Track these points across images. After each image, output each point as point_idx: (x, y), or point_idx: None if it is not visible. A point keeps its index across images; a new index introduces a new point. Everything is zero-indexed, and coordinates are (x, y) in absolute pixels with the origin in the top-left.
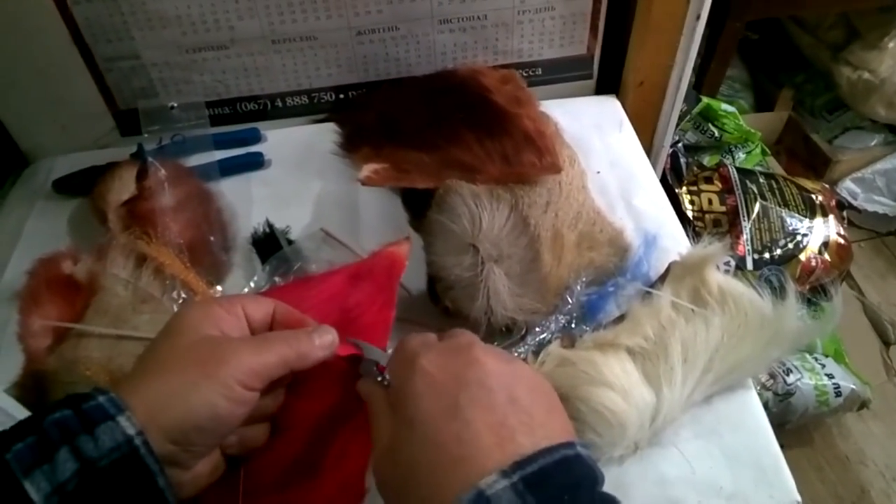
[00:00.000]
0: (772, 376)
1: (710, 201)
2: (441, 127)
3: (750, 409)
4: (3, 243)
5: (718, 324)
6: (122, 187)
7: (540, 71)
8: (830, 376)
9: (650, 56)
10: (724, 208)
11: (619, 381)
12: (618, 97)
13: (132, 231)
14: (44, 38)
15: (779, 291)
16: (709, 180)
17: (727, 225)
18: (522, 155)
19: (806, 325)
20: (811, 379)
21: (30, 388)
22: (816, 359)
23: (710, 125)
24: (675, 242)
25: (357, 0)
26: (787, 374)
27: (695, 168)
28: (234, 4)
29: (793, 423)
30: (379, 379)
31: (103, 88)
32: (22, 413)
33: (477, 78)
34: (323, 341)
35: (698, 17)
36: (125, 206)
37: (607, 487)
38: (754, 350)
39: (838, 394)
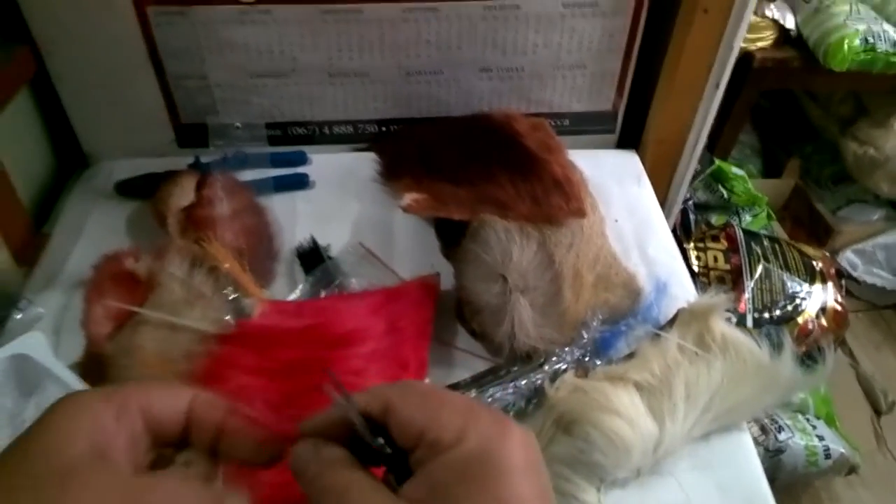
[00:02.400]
0: (763, 431)
1: (715, 259)
2: (476, 165)
3: (743, 448)
4: (66, 237)
5: (720, 367)
6: (183, 194)
7: (567, 122)
8: (821, 438)
9: (671, 117)
10: (728, 266)
11: (626, 411)
12: (637, 152)
13: (190, 234)
14: (123, 51)
15: (776, 346)
16: (716, 238)
17: (730, 283)
18: (551, 198)
19: (799, 376)
20: (802, 439)
21: (90, 368)
22: (808, 420)
23: (720, 186)
24: (683, 291)
25: (410, 45)
26: (779, 432)
27: (703, 226)
28: (299, 38)
29: (781, 481)
30: (381, 444)
31: (169, 102)
32: (83, 387)
33: (510, 123)
34: None
35: (717, 85)
36: (184, 211)
37: None
38: (751, 394)
39: (828, 456)
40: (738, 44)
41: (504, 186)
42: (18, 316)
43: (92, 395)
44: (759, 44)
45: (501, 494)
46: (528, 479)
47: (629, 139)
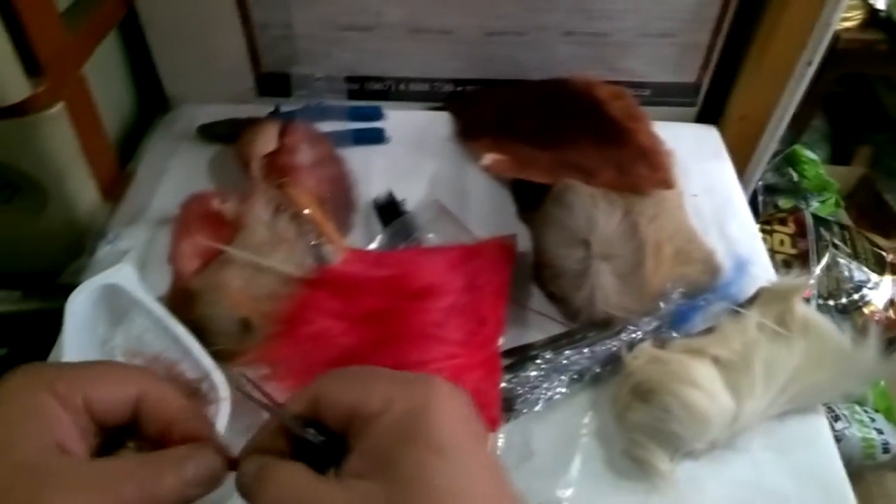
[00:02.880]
0: None
1: (781, 242)
2: (558, 130)
3: (820, 431)
4: (149, 176)
5: (799, 348)
6: (266, 141)
7: (648, 92)
8: (880, 431)
9: (756, 93)
10: (794, 251)
11: (705, 383)
12: (717, 127)
13: (274, 180)
14: None
15: (858, 332)
16: (783, 222)
17: (796, 267)
18: (636, 167)
19: (880, 364)
20: (859, 430)
21: (177, 302)
22: (866, 411)
23: (790, 169)
24: (762, 271)
25: (494, 5)
26: (836, 421)
27: (770, 208)
28: None
29: None
30: (312, 433)
31: (252, 50)
32: (171, 321)
33: (591, 90)
34: (199, 474)
35: (809, 63)
36: (267, 157)
37: (681, 479)
38: (829, 378)
39: (886, 450)
40: (836, 21)
41: (587, 152)
42: (107, 248)
43: (37, 386)
44: (845, 24)
45: (435, 443)
46: (459, 425)
47: (709, 114)
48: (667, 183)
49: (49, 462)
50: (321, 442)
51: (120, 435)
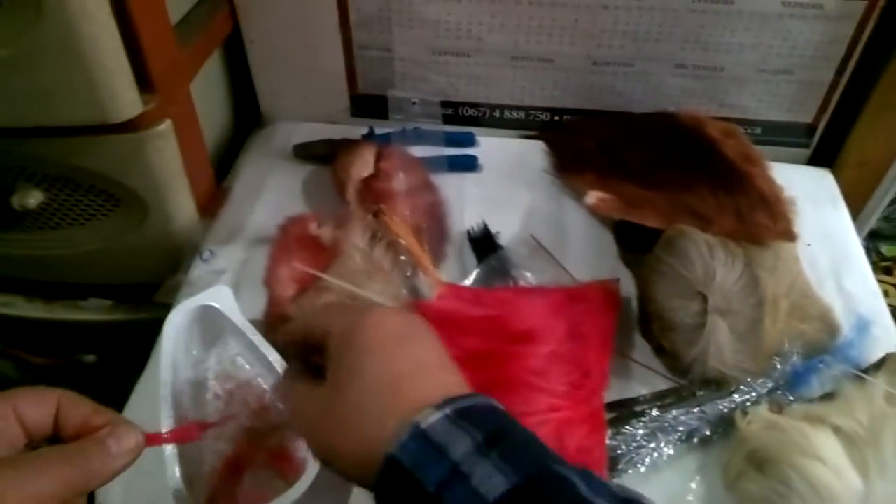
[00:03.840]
0: None
1: (886, 293)
2: (668, 169)
3: None
4: (246, 194)
5: None
6: (363, 165)
7: (759, 130)
8: None
9: (879, 139)
10: None
11: (831, 458)
12: (831, 171)
13: (370, 206)
14: (315, 16)
15: None
16: (888, 271)
17: None
18: (756, 215)
19: None
20: None
21: (273, 327)
22: None
23: None
24: (885, 333)
25: (604, 34)
26: None
27: (873, 255)
28: (489, 18)
29: None
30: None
31: (349, 71)
32: (265, 347)
33: (701, 126)
34: (123, 447)
35: None
36: (364, 182)
37: None
38: None
39: None
40: None
41: (704, 197)
42: (203, 265)
43: None
44: None
45: (363, 345)
46: (383, 331)
47: (823, 156)
48: (790, 234)
49: None
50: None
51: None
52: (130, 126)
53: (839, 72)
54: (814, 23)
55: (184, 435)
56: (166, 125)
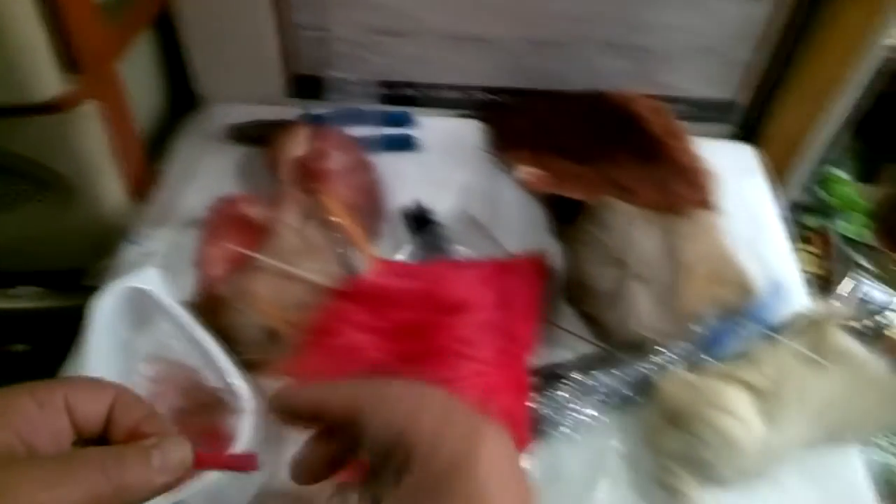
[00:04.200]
0: None
1: (807, 261)
2: (596, 145)
3: (853, 463)
4: (179, 176)
5: (835, 378)
6: (297, 145)
7: (685, 108)
8: None
9: (799, 114)
10: (819, 271)
11: (738, 411)
12: (754, 146)
13: (304, 186)
14: None
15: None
16: (808, 241)
17: (818, 288)
18: (676, 186)
19: None
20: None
21: (204, 308)
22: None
23: (817, 188)
24: (797, 295)
25: (539, 15)
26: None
27: (797, 227)
28: None
29: None
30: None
31: (285, 51)
32: (195, 328)
33: (630, 104)
34: (167, 462)
35: (857, 84)
36: (297, 161)
37: None
38: (867, 409)
39: None
40: (890, 40)
41: (627, 169)
42: (133, 249)
43: (19, 391)
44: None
45: (478, 496)
46: (501, 491)
47: (747, 132)
48: (708, 204)
49: (13, 459)
50: None
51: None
52: (53, 107)
53: (759, 50)
54: (735, 3)
55: (241, 463)
56: (91, 106)
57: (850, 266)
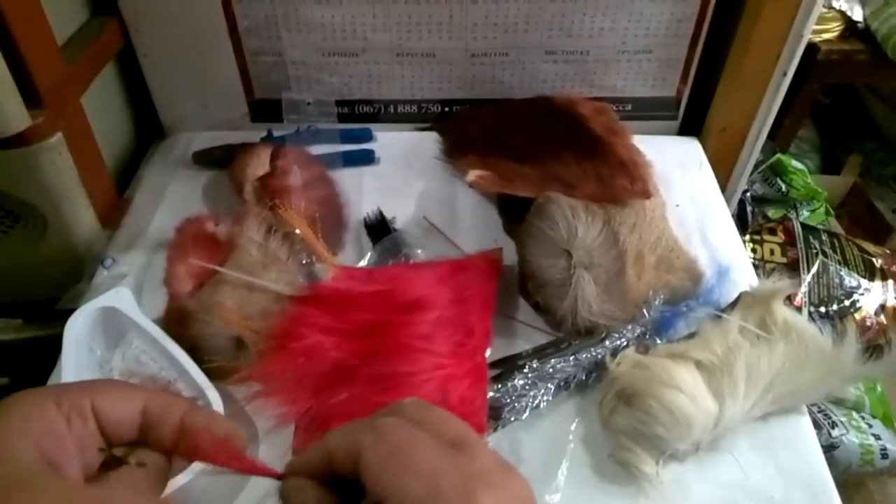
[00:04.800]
0: (816, 426)
1: (771, 251)
2: (541, 145)
3: (804, 432)
4: (146, 202)
5: (781, 351)
6: (259, 164)
7: (630, 107)
8: (878, 437)
9: (735, 105)
10: (784, 260)
11: (688, 387)
12: (699, 139)
13: (266, 203)
14: (205, 27)
15: (840, 335)
16: (772, 231)
17: (786, 277)
18: (616, 178)
19: (861, 365)
20: (857, 437)
21: (173, 322)
22: (864, 418)
23: (778, 179)
24: (743, 276)
25: (476, 27)
26: (833, 427)
27: (759, 218)
28: (371, 19)
29: (834, 478)
30: None
31: (245, 78)
32: (167, 341)
33: (574, 106)
34: None
35: (785, 74)
36: (260, 180)
37: (667, 481)
38: (812, 379)
39: (885, 456)
40: (808, 33)
41: (569, 166)
42: (104, 273)
43: (43, 396)
44: (825, 35)
45: None
46: None
47: (691, 126)
48: (645, 193)
49: (32, 479)
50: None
51: (122, 458)
52: (19, 140)
53: (692, 47)
54: (661, 5)
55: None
56: (57, 138)
57: (814, 253)
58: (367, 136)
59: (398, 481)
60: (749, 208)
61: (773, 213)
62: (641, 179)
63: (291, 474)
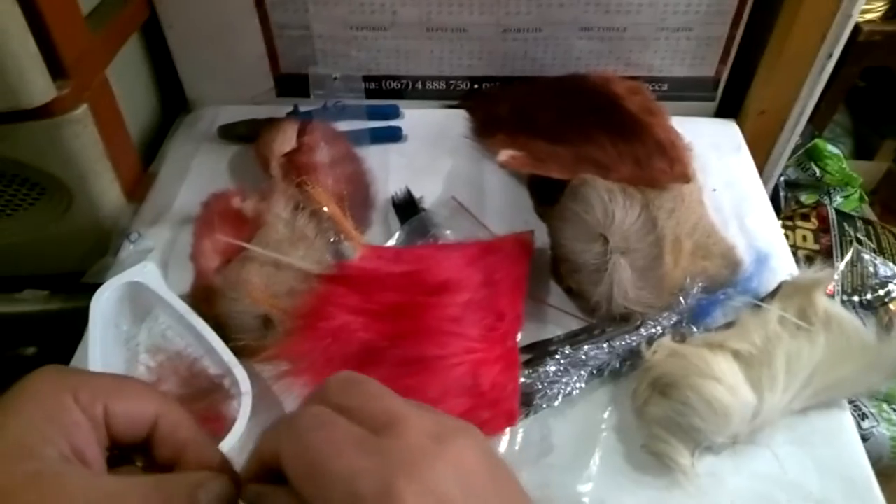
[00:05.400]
0: None
1: (804, 238)
2: (574, 125)
3: (844, 426)
4: (172, 177)
5: (822, 342)
6: (285, 140)
7: (666, 87)
8: None
9: (776, 87)
10: (817, 247)
11: (726, 378)
12: (737, 122)
13: (293, 179)
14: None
15: (885, 327)
16: (806, 217)
17: (819, 263)
18: (654, 161)
19: None
20: (887, 429)
21: (200, 299)
22: (895, 410)
23: (812, 164)
24: (783, 264)
25: (510, 1)
26: (863, 419)
27: (792, 203)
28: None
29: None
30: None
31: (271, 52)
32: (193, 318)
33: (608, 85)
34: (210, 502)
35: (830, 56)
36: (286, 156)
37: (702, 473)
38: (853, 372)
39: None
40: (857, 13)
41: (605, 147)
42: (130, 247)
43: (62, 387)
44: (868, 16)
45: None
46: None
47: (729, 108)
48: (685, 177)
49: (64, 473)
50: None
51: (127, 452)
52: (45, 112)
53: (734, 25)
54: None
55: None
56: (82, 110)
57: (848, 241)
58: (394, 113)
59: (316, 491)
60: (782, 193)
61: (805, 198)
62: (680, 162)
63: (247, 482)
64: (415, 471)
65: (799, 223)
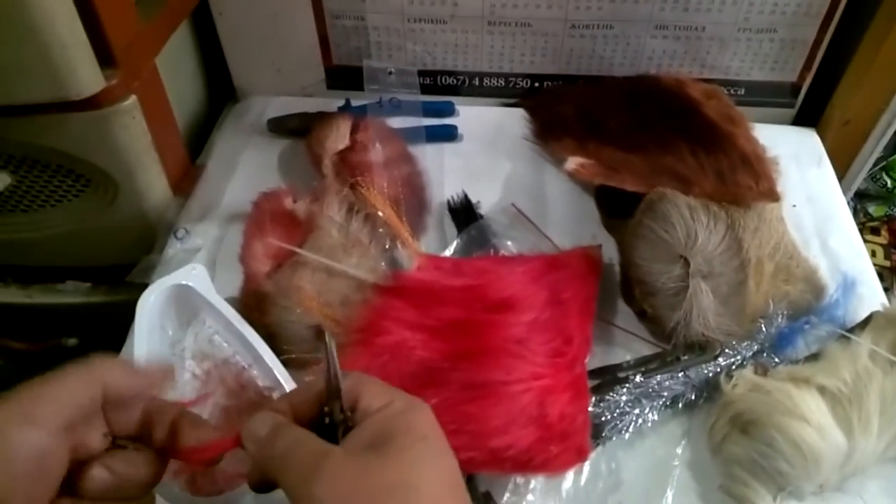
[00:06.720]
0: None
1: (873, 253)
2: (649, 132)
3: None
4: (220, 170)
5: None
6: (338, 137)
7: (742, 91)
8: None
9: (864, 96)
10: (888, 263)
11: (815, 418)
12: (816, 131)
13: (346, 179)
14: None
15: None
16: (875, 231)
17: (889, 280)
18: (738, 175)
19: None
20: None
21: (251, 306)
22: None
23: (884, 174)
24: (870, 291)
25: None
26: None
27: (861, 216)
28: None
29: None
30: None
31: (323, 42)
32: (242, 325)
33: (682, 88)
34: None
35: None
36: (339, 154)
37: None
38: None
39: None
40: None
41: (684, 158)
42: (177, 245)
43: (78, 388)
44: None
45: (419, 433)
46: (435, 430)
47: (808, 116)
48: (773, 195)
49: None
50: (336, 421)
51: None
52: (94, 103)
53: (822, 29)
54: None
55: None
56: (132, 101)
57: None
58: (450, 111)
59: (367, 389)
60: (851, 204)
61: (874, 210)
62: (767, 178)
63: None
64: (422, 406)
65: (868, 237)
